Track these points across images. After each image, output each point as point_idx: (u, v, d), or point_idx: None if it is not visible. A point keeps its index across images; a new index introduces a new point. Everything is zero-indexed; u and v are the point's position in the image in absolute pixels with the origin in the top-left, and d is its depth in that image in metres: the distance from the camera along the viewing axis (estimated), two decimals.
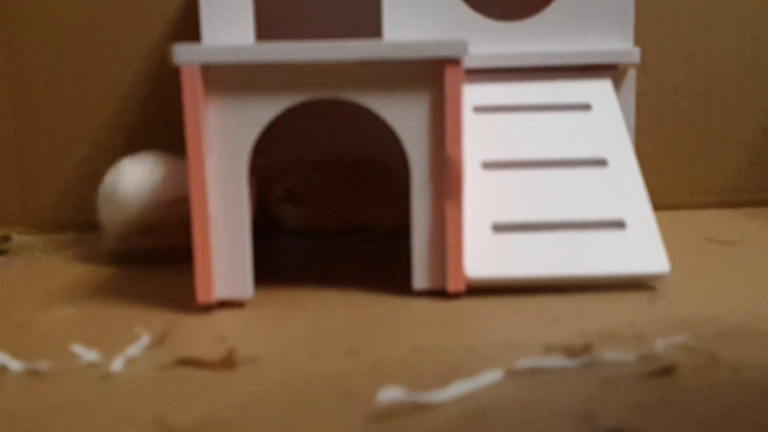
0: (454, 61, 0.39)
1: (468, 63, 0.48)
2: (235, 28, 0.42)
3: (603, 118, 0.47)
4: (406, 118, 0.40)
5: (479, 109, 0.47)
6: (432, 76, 0.39)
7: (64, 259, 0.52)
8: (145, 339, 0.35)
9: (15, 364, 0.33)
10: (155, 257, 0.48)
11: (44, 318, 0.39)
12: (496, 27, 0.49)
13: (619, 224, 0.42)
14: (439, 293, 0.41)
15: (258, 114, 0.39)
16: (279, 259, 0.51)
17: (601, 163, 0.45)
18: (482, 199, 0.43)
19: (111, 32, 0.60)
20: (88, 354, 0.34)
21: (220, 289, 0.40)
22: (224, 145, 0.39)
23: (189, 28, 0.59)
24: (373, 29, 0.49)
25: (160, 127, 0.61)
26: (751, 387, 0.30)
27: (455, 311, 0.39)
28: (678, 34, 0.62)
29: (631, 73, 0.50)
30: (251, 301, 0.41)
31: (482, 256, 0.41)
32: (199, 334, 0.37)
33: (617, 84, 0.50)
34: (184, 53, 0.38)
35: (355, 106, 0.40)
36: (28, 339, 0.36)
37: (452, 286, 0.40)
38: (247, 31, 0.42)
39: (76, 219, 0.60)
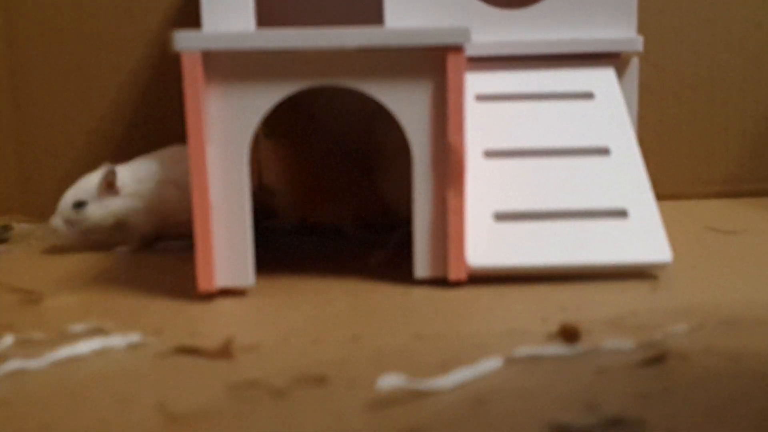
0: (457, 49, 0.39)
1: (470, 51, 0.47)
2: (235, 15, 0.41)
3: (606, 107, 0.47)
4: (407, 105, 0.39)
5: (481, 98, 0.47)
6: (434, 63, 0.39)
7: (64, 248, 0.52)
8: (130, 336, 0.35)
9: (16, 350, 0.33)
10: None
11: (46, 306, 0.39)
12: (499, 15, 0.49)
13: (621, 213, 0.42)
14: (441, 282, 0.41)
15: (259, 101, 0.39)
16: (280, 248, 0.50)
17: (603, 152, 0.45)
18: (484, 188, 0.43)
19: (110, 19, 0.60)
20: (88, 341, 0.33)
21: (222, 277, 0.40)
22: (225, 132, 0.39)
23: (189, 14, 0.59)
24: (375, 16, 0.49)
25: (161, 115, 0.61)
26: (753, 375, 0.29)
27: (456, 300, 0.39)
28: (681, 23, 0.61)
29: (634, 62, 0.50)
30: (252, 289, 0.41)
31: (484, 244, 0.41)
32: (200, 322, 0.37)
33: (620, 73, 0.50)
34: (184, 40, 0.38)
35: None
36: (29, 326, 0.36)
37: (453, 274, 0.40)
38: (247, 18, 0.42)
39: None
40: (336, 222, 0.52)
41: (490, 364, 0.30)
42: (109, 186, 0.48)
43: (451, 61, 0.39)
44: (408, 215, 0.46)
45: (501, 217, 0.42)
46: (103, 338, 0.34)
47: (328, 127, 0.51)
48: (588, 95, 0.47)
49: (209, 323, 0.36)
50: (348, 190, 0.51)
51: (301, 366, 0.31)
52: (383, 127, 0.47)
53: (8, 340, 0.34)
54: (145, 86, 0.61)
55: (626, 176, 0.44)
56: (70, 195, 0.49)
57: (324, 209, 0.51)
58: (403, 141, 0.40)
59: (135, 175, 0.49)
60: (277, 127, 0.50)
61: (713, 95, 0.62)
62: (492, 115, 0.46)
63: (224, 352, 0.32)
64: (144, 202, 0.48)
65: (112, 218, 0.48)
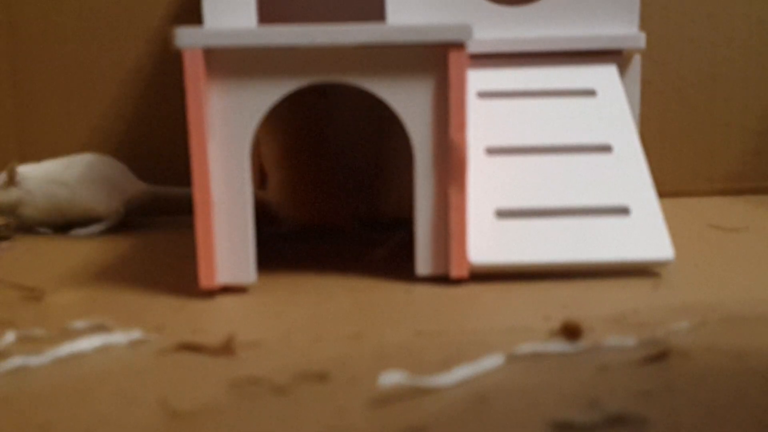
0: (459, 46, 0.39)
1: (472, 48, 0.47)
2: (237, 12, 0.41)
3: (608, 104, 0.47)
4: (409, 103, 0.39)
5: (483, 95, 0.47)
6: (436, 60, 0.39)
7: (67, 244, 0.52)
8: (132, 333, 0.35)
9: (18, 347, 0.33)
10: None
11: (48, 302, 0.39)
12: (501, 12, 0.49)
13: (623, 211, 0.42)
14: (443, 279, 0.41)
15: (260, 98, 0.39)
16: (282, 245, 0.50)
17: (605, 149, 0.45)
18: (486, 185, 0.43)
19: (112, 16, 0.60)
20: (90, 338, 0.34)
21: (223, 275, 0.40)
22: (226, 129, 0.39)
23: (190, 11, 0.59)
24: (377, 13, 0.49)
25: (162, 112, 0.61)
26: (755, 373, 0.29)
27: (458, 297, 0.39)
28: (683, 20, 0.61)
29: (637, 59, 0.50)
30: (254, 287, 0.41)
31: (486, 242, 0.41)
32: (202, 319, 0.37)
33: (622, 70, 0.50)
34: (186, 36, 0.38)
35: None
36: (31, 323, 0.36)
37: (455, 272, 0.40)
38: (249, 15, 0.42)
39: None
40: (336, 224, 0.52)
41: (492, 361, 0.30)
42: (11, 180, 0.56)
43: (453, 58, 0.38)
44: (406, 217, 0.46)
45: (503, 214, 0.42)
46: (105, 335, 0.34)
47: (342, 128, 0.51)
48: (590, 92, 0.47)
49: (211, 320, 0.37)
50: (352, 193, 0.51)
51: (303, 363, 0.31)
52: (398, 135, 0.47)
53: (10, 337, 0.34)
54: (146, 83, 0.61)
55: (628, 174, 0.44)
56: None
57: (325, 212, 0.51)
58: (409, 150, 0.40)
59: (35, 174, 0.56)
60: (292, 125, 0.50)
61: (715, 92, 0.62)
62: (494, 112, 0.46)
63: (226, 349, 0.32)
64: (35, 196, 0.55)
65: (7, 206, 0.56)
